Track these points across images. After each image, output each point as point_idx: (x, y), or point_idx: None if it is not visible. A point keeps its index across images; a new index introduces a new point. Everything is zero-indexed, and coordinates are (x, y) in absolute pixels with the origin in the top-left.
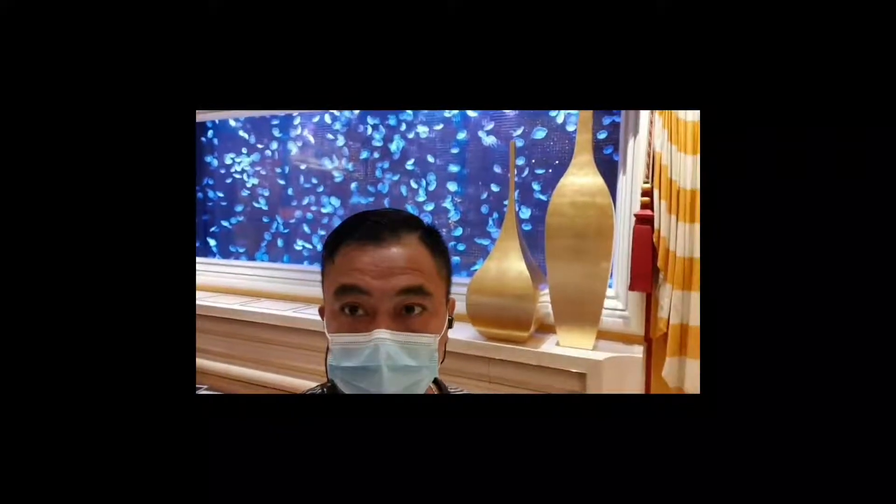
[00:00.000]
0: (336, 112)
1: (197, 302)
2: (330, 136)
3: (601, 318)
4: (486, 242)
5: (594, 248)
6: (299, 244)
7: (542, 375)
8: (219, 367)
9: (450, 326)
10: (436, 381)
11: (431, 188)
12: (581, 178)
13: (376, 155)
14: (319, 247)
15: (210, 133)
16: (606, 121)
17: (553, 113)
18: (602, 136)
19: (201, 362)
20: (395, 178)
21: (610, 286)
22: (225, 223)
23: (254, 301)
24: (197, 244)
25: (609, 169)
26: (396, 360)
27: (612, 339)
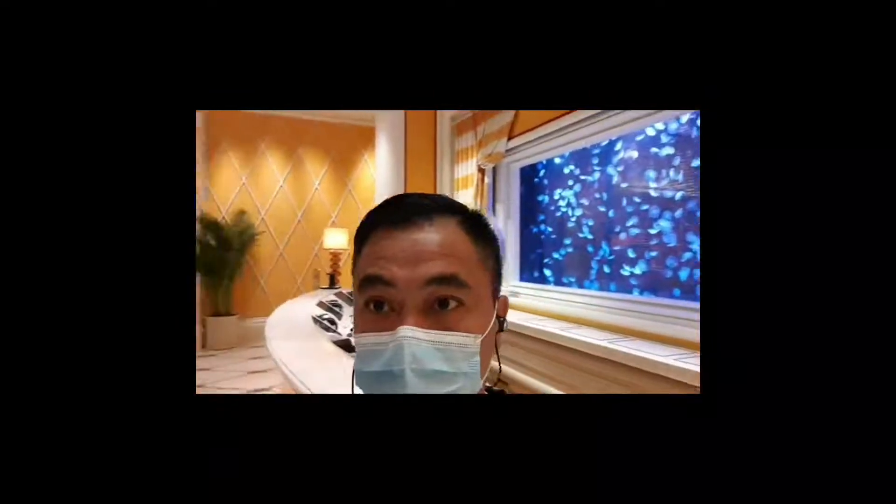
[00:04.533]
0: (661, 125)
1: (522, 323)
2: (655, 149)
3: None
4: None
5: None
6: (626, 269)
7: None
8: (531, 382)
9: (501, 329)
10: (489, 392)
11: None
12: None
13: None
14: (638, 270)
15: (542, 173)
16: None
17: None
18: None
19: (513, 373)
20: None
21: None
22: (556, 255)
23: (574, 327)
24: (535, 274)
25: None
26: (424, 364)
27: None
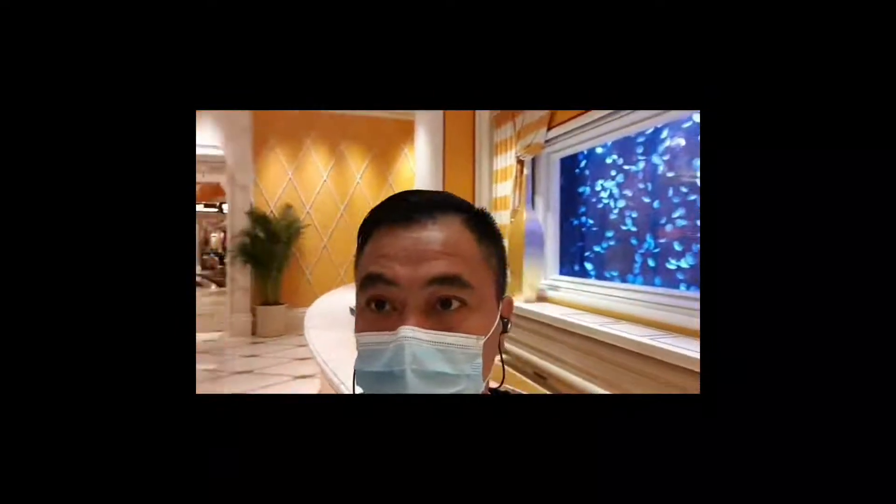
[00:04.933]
0: None
1: (559, 317)
2: None
3: None
4: None
5: None
6: (672, 263)
7: None
8: (569, 377)
9: (504, 330)
10: (493, 393)
11: None
12: None
13: None
14: (685, 264)
15: (583, 164)
16: None
17: None
18: None
19: (551, 367)
20: None
21: None
22: (597, 248)
23: (614, 323)
24: (575, 267)
25: None
26: (425, 365)
27: None
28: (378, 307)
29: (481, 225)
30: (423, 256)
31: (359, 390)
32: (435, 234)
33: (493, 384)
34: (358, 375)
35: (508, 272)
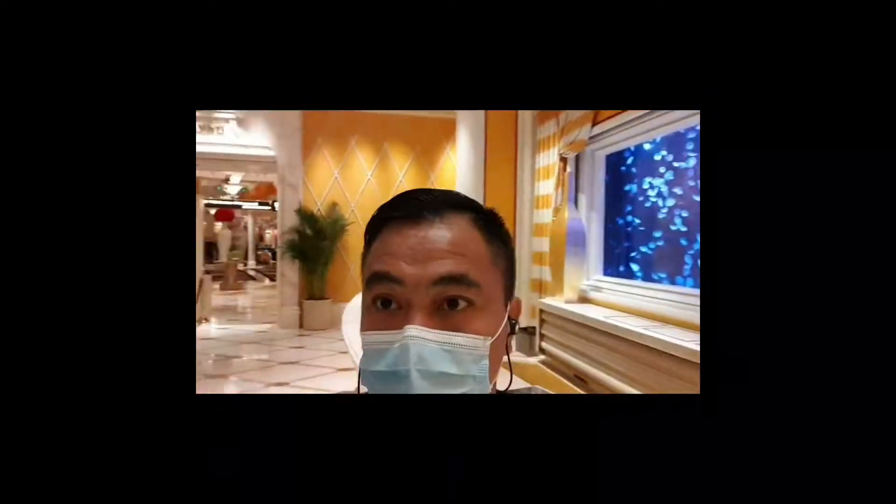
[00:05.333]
0: None
1: (602, 319)
2: None
3: None
4: None
5: None
6: None
7: None
8: (610, 381)
9: (512, 332)
10: (499, 394)
11: None
12: None
13: None
14: None
15: (629, 160)
16: None
17: None
18: None
19: (592, 370)
20: None
21: None
22: (644, 249)
23: (659, 326)
24: (620, 268)
25: None
26: (431, 365)
27: None
28: (384, 306)
29: (490, 225)
30: (430, 255)
31: (364, 390)
32: (442, 232)
33: (501, 387)
34: (363, 374)
35: (548, 270)
